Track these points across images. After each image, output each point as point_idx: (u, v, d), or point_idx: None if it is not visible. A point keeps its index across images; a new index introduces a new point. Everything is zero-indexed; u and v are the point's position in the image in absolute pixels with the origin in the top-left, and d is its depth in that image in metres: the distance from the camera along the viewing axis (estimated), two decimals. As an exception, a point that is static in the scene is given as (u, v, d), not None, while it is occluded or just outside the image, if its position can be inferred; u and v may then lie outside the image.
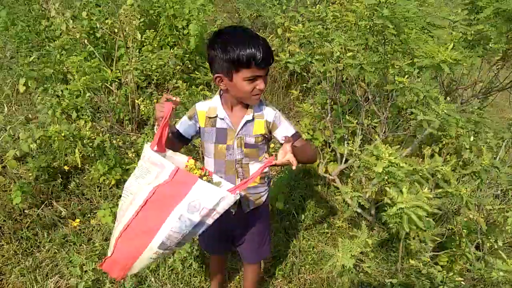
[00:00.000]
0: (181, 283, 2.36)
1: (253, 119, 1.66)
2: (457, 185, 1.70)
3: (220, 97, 1.68)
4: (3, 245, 2.46)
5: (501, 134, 2.22)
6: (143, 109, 2.89)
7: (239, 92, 1.58)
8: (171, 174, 1.40)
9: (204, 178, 1.53)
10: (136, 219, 1.40)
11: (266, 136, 1.70)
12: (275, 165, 1.49)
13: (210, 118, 1.68)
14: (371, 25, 2.02)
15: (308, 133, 2.79)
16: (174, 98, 1.50)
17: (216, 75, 1.56)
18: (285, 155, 1.45)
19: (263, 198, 1.83)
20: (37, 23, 3.93)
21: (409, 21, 2.02)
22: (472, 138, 1.97)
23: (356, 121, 2.44)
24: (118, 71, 3.39)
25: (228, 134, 1.67)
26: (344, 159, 2.60)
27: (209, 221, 1.42)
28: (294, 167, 1.46)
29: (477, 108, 2.08)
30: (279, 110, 1.75)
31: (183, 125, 1.74)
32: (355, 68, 1.91)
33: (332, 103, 2.63)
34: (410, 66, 1.90)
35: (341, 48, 2.01)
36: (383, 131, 2.47)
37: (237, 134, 1.66)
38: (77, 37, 3.54)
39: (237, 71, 1.50)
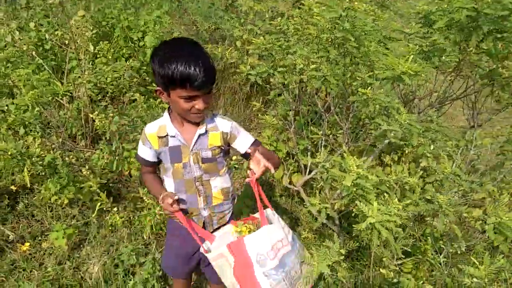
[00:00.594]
0: (144, 307, 2.23)
1: (206, 132, 1.60)
2: (434, 193, 1.73)
3: (169, 114, 1.61)
4: None
5: (454, 142, 2.31)
6: (98, 124, 2.75)
7: (178, 109, 1.53)
8: (231, 253, 1.47)
9: (252, 229, 1.59)
10: None
11: (223, 148, 1.64)
12: (258, 180, 1.49)
13: (161, 137, 1.60)
14: (332, 38, 2.04)
15: (271, 145, 2.76)
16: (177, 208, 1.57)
17: (157, 88, 1.52)
18: (259, 164, 1.43)
19: (227, 218, 1.76)
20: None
21: (368, 35, 2.06)
22: (432, 147, 2.03)
23: (320, 132, 2.45)
24: (69, 84, 3.22)
25: (183, 152, 1.60)
26: (308, 170, 2.59)
27: (286, 248, 1.50)
28: (273, 171, 1.46)
29: (435, 117, 2.15)
30: (238, 122, 1.71)
31: (143, 151, 1.67)
32: (319, 80, 1.91)
33: (294, 114, 2.63)
34: (371, 77, 1.93)
35: (304, 60, 2.01)
36: (346, 141, 2.49)
37: (192, 150, 1.59)
38: (24, 49, 3.33)
39: (173, 89, 1.45)
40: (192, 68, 1.38)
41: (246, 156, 1.69)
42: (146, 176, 1.75)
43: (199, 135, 1.58)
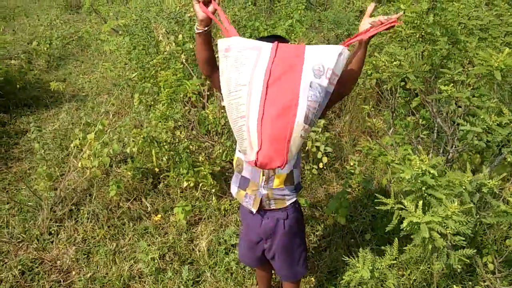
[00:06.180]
0: (233, 283, 2.50)
1: None
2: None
3: None
4: (96, 229, 2.92)
5: None
6: (210, 118, 3.25)
7: None
8: (273, 51, 1.39)
9: None
10: (267, 104, 1.35)
11: None
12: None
13: None
14: (423, 34, 1.95)
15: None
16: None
17: None
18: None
19: (287, 203, 1.80)
20: (152, 47, 4.53)
21: (467, 28, 1.90)
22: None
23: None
24: (200, 85, 3.65)
25: None
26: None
27: (331, 88, 1.42)
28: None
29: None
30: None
31: None
32: (399, 77, 1.85)
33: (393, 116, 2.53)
34: (460, 74, 1.77)
35: (389, 57, 1.96)
36: (452, 146, 2.29)
37: None
38: (180, 57, 3.96)
39: None
40: None
41: None
42: None
43: None
